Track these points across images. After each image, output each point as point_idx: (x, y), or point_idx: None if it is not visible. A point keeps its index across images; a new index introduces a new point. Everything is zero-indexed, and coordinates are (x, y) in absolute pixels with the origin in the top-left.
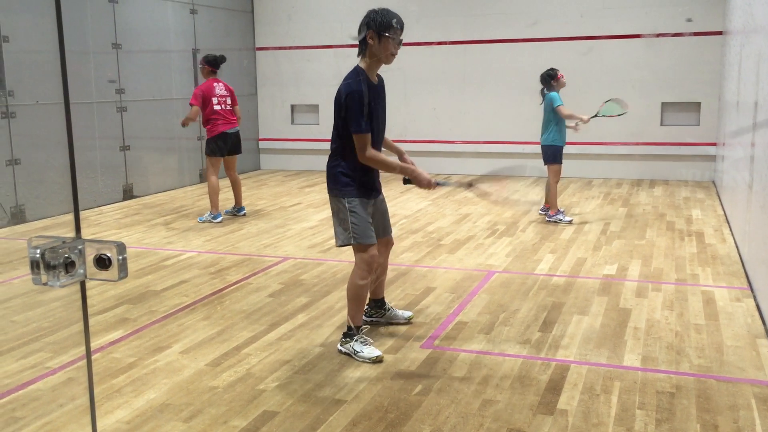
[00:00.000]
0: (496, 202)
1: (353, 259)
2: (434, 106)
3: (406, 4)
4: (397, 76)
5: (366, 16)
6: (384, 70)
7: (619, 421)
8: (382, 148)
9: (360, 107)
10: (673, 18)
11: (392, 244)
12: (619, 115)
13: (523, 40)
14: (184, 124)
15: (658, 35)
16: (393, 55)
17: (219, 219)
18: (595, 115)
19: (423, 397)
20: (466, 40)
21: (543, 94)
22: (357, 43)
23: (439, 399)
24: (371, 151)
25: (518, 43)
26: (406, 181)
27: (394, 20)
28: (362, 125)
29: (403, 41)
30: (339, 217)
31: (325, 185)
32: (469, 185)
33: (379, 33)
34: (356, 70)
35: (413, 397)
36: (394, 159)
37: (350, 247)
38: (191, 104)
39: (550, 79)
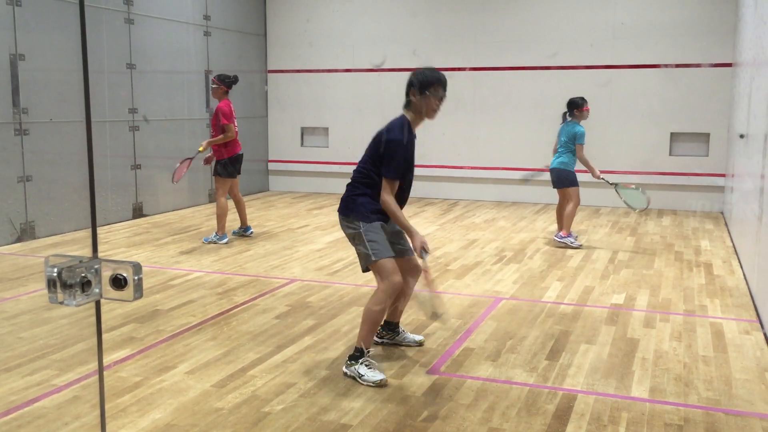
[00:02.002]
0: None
1: (360, 282)
2: (447, 131)
3: (420, 31)
4: None
5: (411, 76)
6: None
7: None
8: None
9: (399, 157)
10: (683, 49)
11: (419, 271)
12: (635, 209)
13: (535, 68)
14: (204, 149)
15: (668, 66)
16: (435, 111)
17: (225, 240)
18: (612, 184)
19: (429, 423)
20: (481, 66)
21: (564, 118)
22: (373, 68)
23: (444, 426)
24: (391, 198)
25: (530, 70)
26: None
27: (436, 79)
28: (396, 173)
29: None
30: (358, 241)
31: (334, 208)
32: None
33: (421, 91)
34: (404, 120)
35: (419, 424)
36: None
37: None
38: (226, 124)
39: (574, 107)
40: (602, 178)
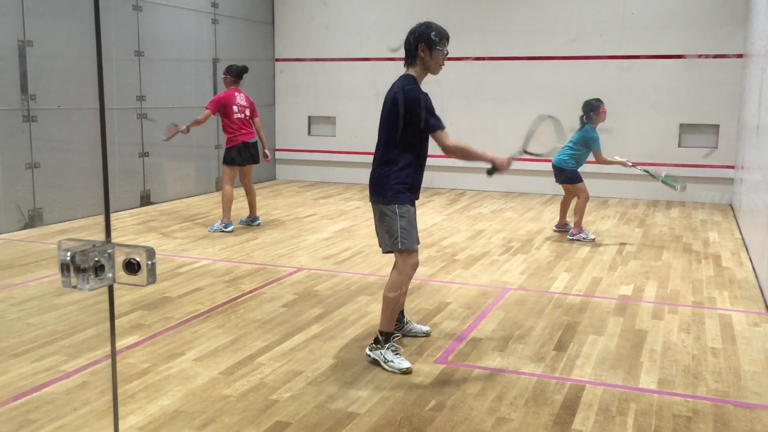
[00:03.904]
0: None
1: (367, 271)
2: (456, 121)
3: (433, 20)
4: (433, 90)
5: (417, 30)
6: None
7: None
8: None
9: (432, 107)
10: (693, 40)
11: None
12: (672, 186)
13: (544, 58)
14: (186, 130)
15: (678, 57)
16: (441, 66)
17: (230, 228)
18: (644, 171)
19: (436, 412)
20: (491, 56)
21: (581, 122)
22: (392, 55)
23: (452, 415)
24: (455, 141)
25: (540, 60)
26: (490, 172)
27: (444, 33)
28: (439, 119)
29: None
30: (386, 223)
31: (341, 197)
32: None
33: (431, 46)
34: (412, 79)
35: (426, 413)
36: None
37: (383, 256)
38: (206, 107)
39: (590, 110)
40: (632, 165)
